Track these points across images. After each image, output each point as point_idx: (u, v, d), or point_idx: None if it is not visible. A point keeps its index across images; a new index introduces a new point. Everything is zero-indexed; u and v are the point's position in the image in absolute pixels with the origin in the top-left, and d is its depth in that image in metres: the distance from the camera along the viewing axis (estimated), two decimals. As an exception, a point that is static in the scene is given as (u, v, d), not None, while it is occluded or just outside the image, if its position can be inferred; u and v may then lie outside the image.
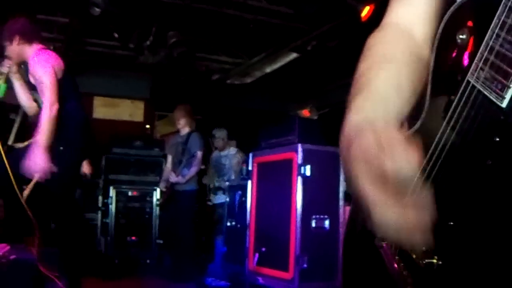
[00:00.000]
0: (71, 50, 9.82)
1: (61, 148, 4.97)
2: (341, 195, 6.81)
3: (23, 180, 6.17)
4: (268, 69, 11.05)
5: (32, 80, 5.15)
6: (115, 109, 11.84)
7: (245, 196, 7.91)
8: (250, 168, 7.68)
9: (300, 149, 6.60)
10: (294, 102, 12.52)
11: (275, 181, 7.12)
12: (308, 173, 6.58)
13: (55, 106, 4.87)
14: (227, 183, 9.25)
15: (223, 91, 12.08)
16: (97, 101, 11.64)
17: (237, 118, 12.12)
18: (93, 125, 11.20)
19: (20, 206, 5.92)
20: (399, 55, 1.36)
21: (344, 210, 6.77)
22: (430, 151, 1.16)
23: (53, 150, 4.95)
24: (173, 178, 8.52)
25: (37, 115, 5.31)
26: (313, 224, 6.59)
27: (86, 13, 8.16)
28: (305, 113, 12.41)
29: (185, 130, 8.76)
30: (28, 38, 5.20)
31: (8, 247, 3.55)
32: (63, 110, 5.02)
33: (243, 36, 9.41)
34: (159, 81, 11.65)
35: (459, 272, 1.10)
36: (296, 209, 6.56)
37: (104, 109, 11.78)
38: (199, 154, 8.63)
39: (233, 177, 9.47)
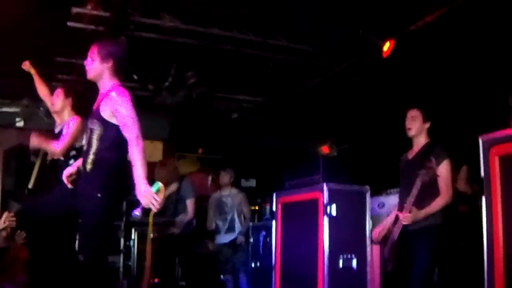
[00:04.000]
0: (90, 91, 9.81)
1: (99, 195, 4.87)
2: (367, 234, 6.72)
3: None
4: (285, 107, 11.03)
5: (104, 114, 4.93)
6: (134, 150, 11.80)
7: (270, 237, 7.84)
8: (274, 208, 7.62)
9: (325, 188, 6.53)
10: (313, 138, 12.46)
11: (300, 221, 7.04)
12: (334, 212, 6.51)
13: (141, 140, 4.79)
14: (237, 224, 9.32)
15: (241, 129, 12.03)
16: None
17: (256, 156, 12.07)
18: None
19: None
20: None
21: (371, 249, 6.68)
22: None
23: (90, 195, 4.86)
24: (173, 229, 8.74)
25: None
26: (340, 264, 6.50)
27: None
28: (325, 149, 12.34)
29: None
30: (118, 68, 5.11)
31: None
32: (116, 154, 4.94)
33: (263, 75, 9.39)
34: (178, 121, 11.64)
35: None
36: (322, 249, 6.47)
37: (122, 149, 11.73)
38: (192, 201, 9.01)
39: (235, 216, 9.46)
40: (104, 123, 4.93)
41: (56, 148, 6.35)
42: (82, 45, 8.33)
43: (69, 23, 7.62)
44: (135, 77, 9.39)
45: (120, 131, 4.86)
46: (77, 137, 6.49)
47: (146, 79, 9.40)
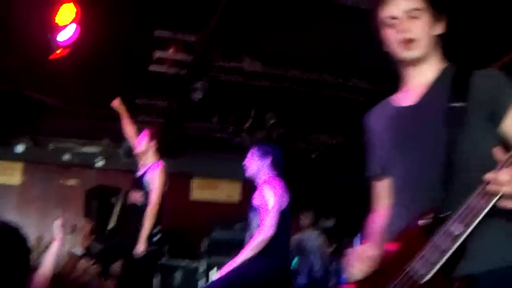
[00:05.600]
0: (170, 133, 9.92)
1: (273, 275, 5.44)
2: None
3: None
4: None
5: (255, 201, 5.60)
6: (212, 191, 11.88)
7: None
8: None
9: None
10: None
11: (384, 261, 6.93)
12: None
13: (271, 232, 5.28)
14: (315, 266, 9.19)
15: (321, 169, 11.96)
16: (194, 184, 11.74)
17: (335, 195, 11.96)
18: (191, 208, 11.30)
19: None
20: None
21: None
22: None
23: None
24: None
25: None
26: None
27: (185, 97, 8.25)
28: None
29: None
30: (275, 164, 5.80)
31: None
32: (279, 239, 5.40)
33: (342, 115, 9.31)
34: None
35: None
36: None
37: (201, 191, 11.82)
38: None
39: (317, 259, 9.33)
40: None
41: (152, 208, 6.53)
42: (163, 88, 8.49)
43: (151, 67, 7.73)
44: (215, 120, 9.45)
45: (279, 215, 5.39)
46: (164, 186, 6.67)
47: (227, 120, 9.44)
